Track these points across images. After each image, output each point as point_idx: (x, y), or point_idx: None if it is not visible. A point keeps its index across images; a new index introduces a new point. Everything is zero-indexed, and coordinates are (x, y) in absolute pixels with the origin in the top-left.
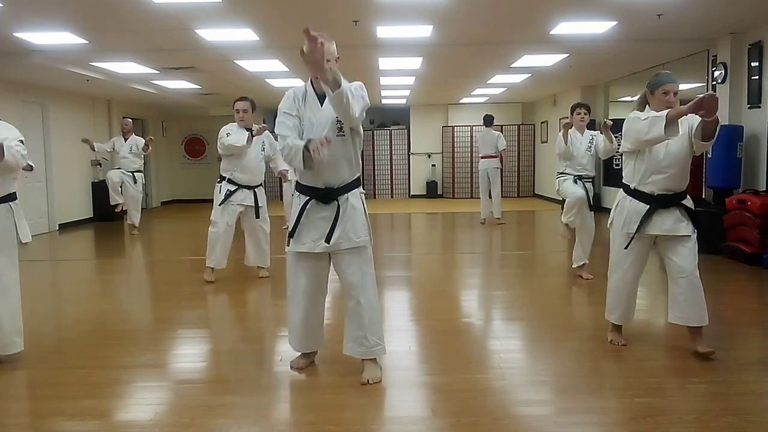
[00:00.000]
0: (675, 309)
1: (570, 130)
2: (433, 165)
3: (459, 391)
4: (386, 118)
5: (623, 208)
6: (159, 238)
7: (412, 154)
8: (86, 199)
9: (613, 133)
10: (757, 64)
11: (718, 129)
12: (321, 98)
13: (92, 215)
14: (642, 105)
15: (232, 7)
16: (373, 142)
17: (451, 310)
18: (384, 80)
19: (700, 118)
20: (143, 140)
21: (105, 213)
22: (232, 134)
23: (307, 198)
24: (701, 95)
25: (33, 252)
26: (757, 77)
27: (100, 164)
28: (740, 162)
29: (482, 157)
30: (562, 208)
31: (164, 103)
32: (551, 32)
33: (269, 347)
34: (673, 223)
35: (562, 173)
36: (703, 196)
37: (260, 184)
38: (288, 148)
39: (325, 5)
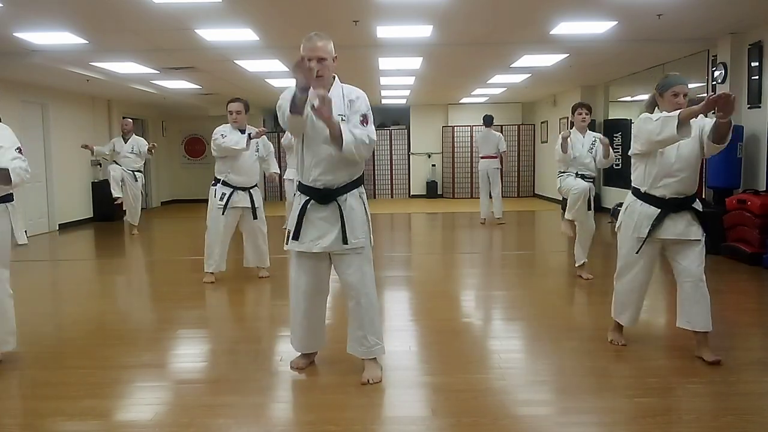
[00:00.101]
0: (681, 313)
1: (571, 131)
2: (433, 165)
3: (459, 391)
4: (386, 118)
5: (633, 211)
6: (159, 238)
7: (412, 154)
8: (86, 199)
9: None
10: (757, 64)
11: (731, 132)
12: None
13: (92, 215)
14: (651, 107)
15: (232, 7)
16: None
17: (451, 310)
18: (384, 80)
19: (713, 121)
20: (144, 140)
21: (105, 213)
22: (227, 135)
23: (307, 198)
24: (715, 94)
25: (33, 252)
26: (757, 77)
27: (100, 164)
28: (740, 162)
29: (482, 158)
30: (563, 209)
31: (164, 103)
32: (551, 32)
33: (269, 347)
34: (684, 227)
35: (563, 171)
36: (703, 196)
37: (255, 185)
38: (283, 112)
39: (325, 5)
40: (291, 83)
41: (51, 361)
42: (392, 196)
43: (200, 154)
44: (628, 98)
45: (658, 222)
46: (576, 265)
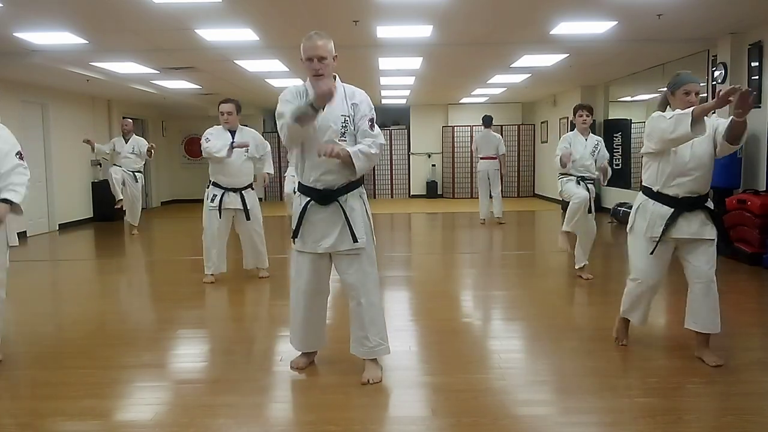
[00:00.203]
0: (689, 313)
1: (572, 133)
2: (433, 165)
3: (459, 391)
4: (386, 118)
5: (646, 211)
6: (159, 238)
7: (412, 154)
8: (86, 199)
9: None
10: (757, 64)
11: (746, 131)
12: None
13: (92, 215)
14: (663, 106)
15: (232, 7)
16: None
17: (451, 310)
18: (384, 80)
19: (726, 121)
20: (144, 141)
21: (105, 213)
22: (211, 139)
23: (308, 199)
24: (730, 87)
25: (33, 252)
26: (757, 77)
27: (100, 164)
28: (740, 162)
29: (482, 158)
30: (563, 210)
31: (164, 103)
32: (551, 32)
33: (269, 347)
34: (698, 226)
35: (564, 174)
36: None
37: (248, 186)
38: (285, 126)
39: (325, 5)
40: (291, 83)
41: (51, 361)
42: (392, 196)
43: (200, 154)
44: (628, 98)
45: (671, 221)
46: (576, 267)
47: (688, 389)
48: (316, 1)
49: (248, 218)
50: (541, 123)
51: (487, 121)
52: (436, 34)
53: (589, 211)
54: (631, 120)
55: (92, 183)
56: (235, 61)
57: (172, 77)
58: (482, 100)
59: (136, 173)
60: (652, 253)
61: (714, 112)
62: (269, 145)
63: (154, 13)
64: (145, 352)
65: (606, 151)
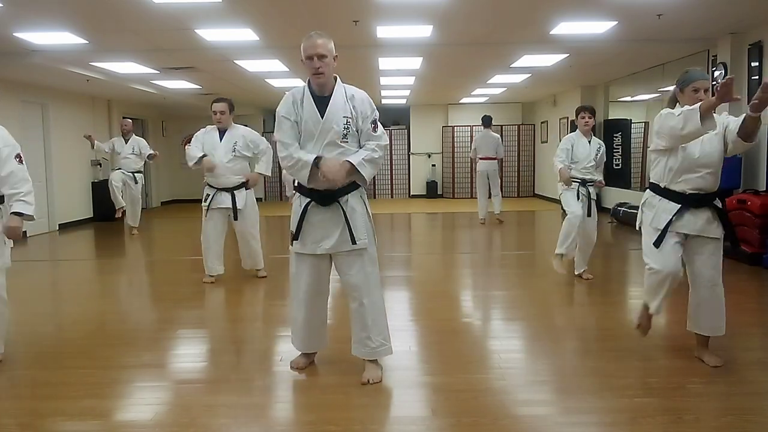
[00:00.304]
0: (691, 315)
1: (574, 134)
2: (433, 165)
3: (459, 391)
4: (386, 118)
5: (652, 206)
6: (159, 238)
7: (412, 154)
8: (86, 199)
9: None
10: (757, 64)
11: (759, 128)
12: (319, 104)
13: (92, 215)
14: (672, 103)
15: (232, 7)
16: None
17: (451, 310)
18: (384, 80)
19: (736, 118)
20: (144, 141)
21: (105, 213)
22: (192, 143)
23: (308, 200)
24: (724, 80)
25: (33, 252)
26: (757, 77)
27: (100, 164)
28: (740, 162)
29: (481, 158)
30: (564, 212)
31: (164, 103)
32: (551, 32)
33: (269, 347)
34: (704, 223)
35: None
36: None
37: (241, 186)
38: (293, 160)
39: (325, 5)
40: (291, 83)
41: (51, 361)
42: (392, 196)
43: None
44: (628, 98)
45: (678, 216)
46: (575, 273)
47: (688, 389)
48: (316, 1)
49: (235, 218)
50: (541, 123)
51: (487, 121)
52: (436, 34)
53: (589, 214)
54: (631, 120)
55: (92, 183)
56: (235, 61)
57: (172, 77)
58: (482, 100)
59: (135, 174)
60: (656, 245)
61: (724, 111)
62: (266, 144)
63: (154, 13)
64: (145, 352)
65: (605, 156)
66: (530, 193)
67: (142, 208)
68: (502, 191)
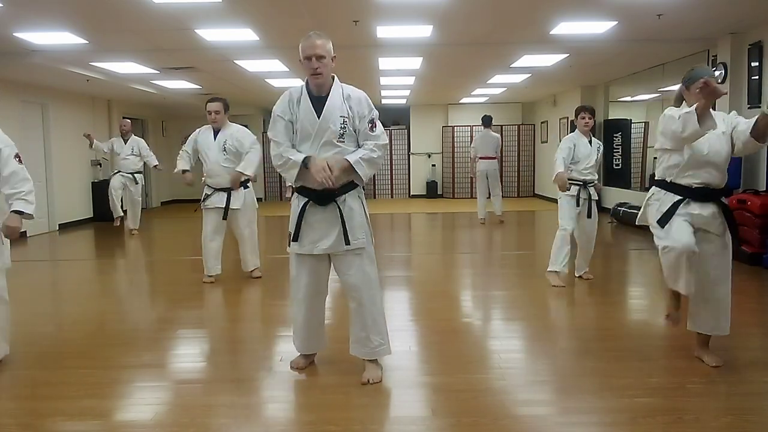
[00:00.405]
0: (690, 314)
1: (574, 134)
2: (433, 165)
3: (459, 391)
4: (386, 118)
5: (658, 199)
6: (159, 238)
7: (412, 154)
8: (86, 199)
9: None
10: (757, 64)
11: None
12: (316, 104)
13: (92, 215)
14: (678, 101)
15: (232, 7)
16: None
17: (451, 310)
18: (384, 80)
19: (746, 120)
20: (144, 142)
21: (105, 213)
22: (185, 144)
23: (306, 200)
24: (701, 85)
25: (33, 252)
26: (757, 77)
27: (100, 164)
28: (740, 162)
29: (481, 158)
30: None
31: (164, 103)
32: (551, 32)
33: (269, 347)
34: (709, 217)
35: None
36: None
37: (240, 186)
38: (283, 159)
39: (325, 5)
40: (291, 83)
41: (51, 361)
42: (392, 196)
43: None
44: (628, 98)
45: (684, 205)
46: (576, 275)
47: (688, 389)
48: (316, 1)
49: (224, 217)
50: (541, 123)
51: (487, 121)
52: (436, 34)
53: (589, 216)
54: (631, 120)
55: (92, 183)
56: (235, 61)
57: (172, 77)
58: (482, 100)
59: (135, 174)
60: (661, 222)
61: (732, 111)
62: (251, 142)
63: (154, 13)
64: (144, 352)
65: (601, 157)
66: (530, 193)
67: (142, 208)
68: (502, 191)
